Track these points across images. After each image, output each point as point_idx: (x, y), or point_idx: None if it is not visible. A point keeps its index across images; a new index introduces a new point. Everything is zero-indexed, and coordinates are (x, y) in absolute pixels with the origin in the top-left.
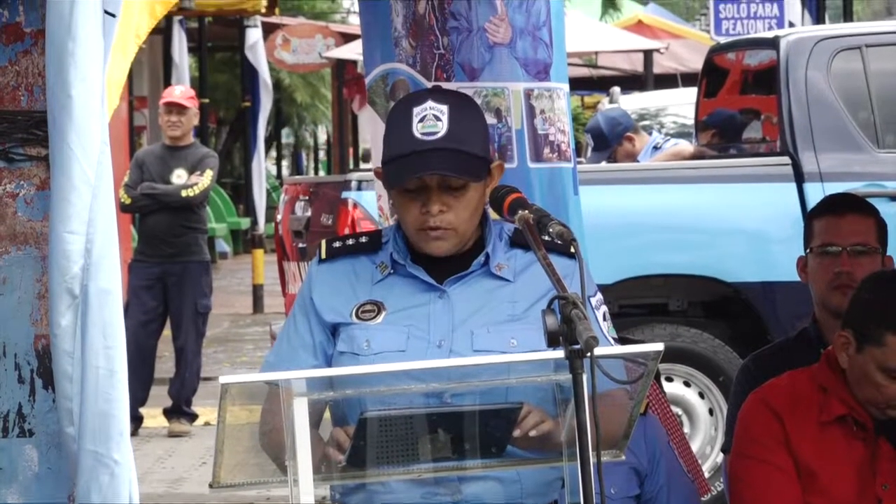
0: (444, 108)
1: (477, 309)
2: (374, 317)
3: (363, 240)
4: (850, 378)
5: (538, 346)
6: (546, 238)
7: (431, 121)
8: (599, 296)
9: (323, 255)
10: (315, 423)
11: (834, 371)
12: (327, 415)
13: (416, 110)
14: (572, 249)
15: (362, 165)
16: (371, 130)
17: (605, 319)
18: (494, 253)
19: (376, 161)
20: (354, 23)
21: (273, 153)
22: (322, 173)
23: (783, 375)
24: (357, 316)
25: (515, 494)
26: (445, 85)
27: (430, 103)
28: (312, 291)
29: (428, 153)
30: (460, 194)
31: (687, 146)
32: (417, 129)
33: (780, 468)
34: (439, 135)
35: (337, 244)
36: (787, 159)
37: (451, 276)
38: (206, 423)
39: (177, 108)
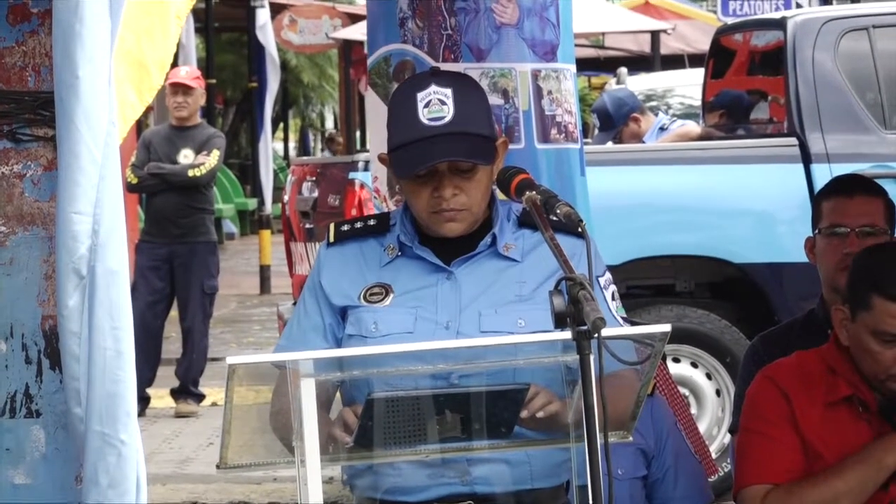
0: (449, 91)
1: (484, 290)
2: (382, 299)
3: (371, 222)
4: (853, 354)
5: (546, 326)
6: (553, 218)
7: (437, 105)
8: (608, 275)
9: (331, 239)
10: (324, 404)
11: (841, 352)
12: (338, 397)
13: (420, 95)
14: (580, 229)
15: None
16: (371, 112)
17: (613, 299)
18: (502, 233)
19: (374, 142)
20: (361, 3)
21: (280, 134)
22: (329, 154)
23: (792, 355)
24: (365, 299)
25: (525, 477)
26: (452, 66)
27: (433, 87)
28: (321, 275)
29: (437, 139)
30: (471, 176)
31: (694, 127)
32: (424, 115)
33: (785, 443)
34: (446, 119)
35: (345, 227)
36: (794, 140)
37: (458, 257)
38: (213, 404)
39: (182, 88)
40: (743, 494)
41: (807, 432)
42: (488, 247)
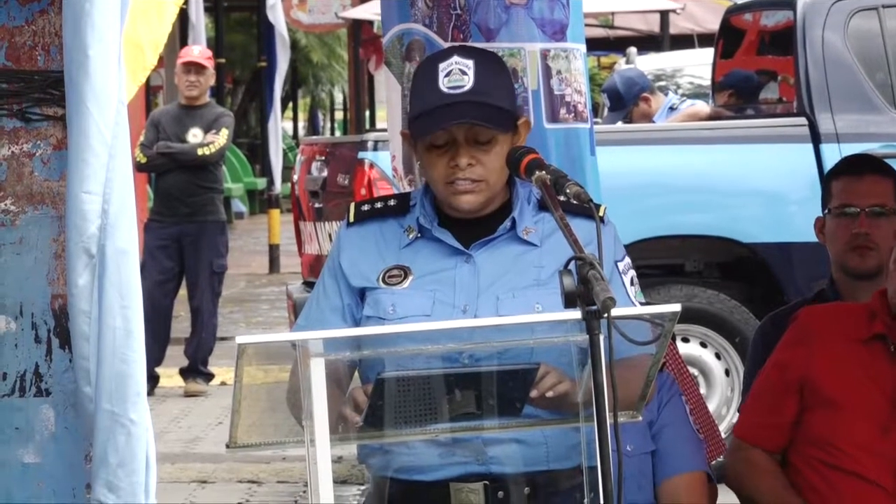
0: (470, 62)
1: (502, 274)
2: (401, 282)
3: (391, 202)
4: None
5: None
6: (566, 199)
7: (457, 75)
8: (628, 260)
9: (351, 219)
10: (338, 384)
11: (884, 301)
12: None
13: (441, 66)
14: (601, 213)
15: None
16: (387, 91)
17: (632, 284)
18: (521, 217)
19: (391, 120)
20: None
21: (289, 113)
22: (338, 133)
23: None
24: (384, 281)
25: (541, 458)
26: None
27: (455, 58)
28: (341, 256)
29: (455, 105)
30: (489, 147)
31: (703, 107)
32: (444, 84)
33: (784, 416)
34: (466, 88)
35: (365, 207)
36: (803, 120)
37: (477, 240)
38: (223, 383)
39: (195, 67)
40: (735, 440)
41: (818, 371)
42: (508, 230)
